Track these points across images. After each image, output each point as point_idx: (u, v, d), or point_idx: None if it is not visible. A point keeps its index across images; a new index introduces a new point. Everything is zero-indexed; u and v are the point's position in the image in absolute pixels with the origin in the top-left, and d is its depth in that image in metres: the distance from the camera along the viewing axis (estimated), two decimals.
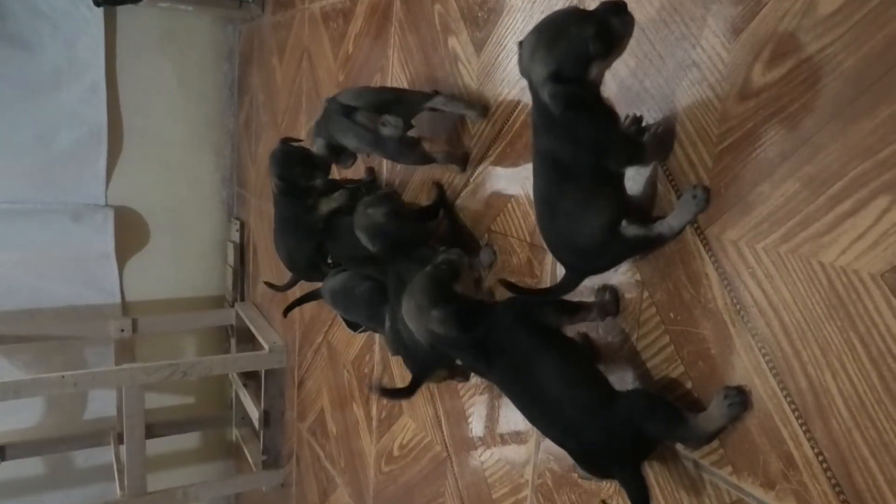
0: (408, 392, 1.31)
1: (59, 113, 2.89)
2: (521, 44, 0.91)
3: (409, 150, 1.40)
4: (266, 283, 2.06)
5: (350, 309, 1.61)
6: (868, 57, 0.74)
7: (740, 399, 0.86)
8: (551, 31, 0.87)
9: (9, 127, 2.81)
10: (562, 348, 0.99)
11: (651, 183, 1.00)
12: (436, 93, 1.42)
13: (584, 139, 0.91)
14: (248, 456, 2.93)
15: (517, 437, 1.30)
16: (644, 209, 1.01)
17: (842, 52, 0.76)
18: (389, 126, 1.33)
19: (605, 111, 0.92)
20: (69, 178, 2.96)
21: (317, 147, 1.51)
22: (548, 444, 1.22)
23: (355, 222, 1.39)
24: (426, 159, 1.42)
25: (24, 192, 2.88)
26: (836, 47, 0.77)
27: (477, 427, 1.44)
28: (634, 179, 1.02)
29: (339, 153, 1.50)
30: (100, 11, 2.83)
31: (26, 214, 2.88)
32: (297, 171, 1.59)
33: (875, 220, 0.73)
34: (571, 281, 1.05)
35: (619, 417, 0.90)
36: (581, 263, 1.02)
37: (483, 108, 1.35)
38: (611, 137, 0.92)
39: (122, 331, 2.86)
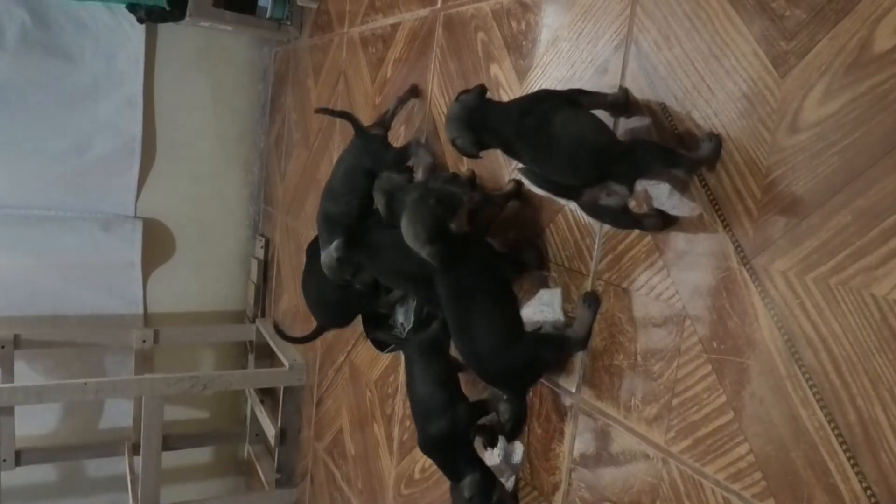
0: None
1: (96, 124, 2.95)
2: None
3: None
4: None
5: None
6: None
7: (594, 299, 1.17)
8: None
9: (46, 135, 2.86)
10: (501, 297, 1.23)
11: (696, 212, 1.01)
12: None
13: None
14: (261, 474, 2.92)
15: (545, 462, 1.30)
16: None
17: None
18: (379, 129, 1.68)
19: None
20: (101, 187, 3.00)
21: (334, 248, 1.58)
22: (579, 470, 1.21)
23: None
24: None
25: (56, 199, 2.92)
26: (892, 83, 0.78)
27: (503, 451, 1.43)
28: (677, 207, 1.03)
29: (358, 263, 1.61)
30: (141, 27, 2.90)
31: (57, 221, 2.92)
32: None
33: None
34: None
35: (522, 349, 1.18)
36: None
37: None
38: None
39: (144, 341, 2.87)
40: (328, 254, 1.58)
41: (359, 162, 1.59)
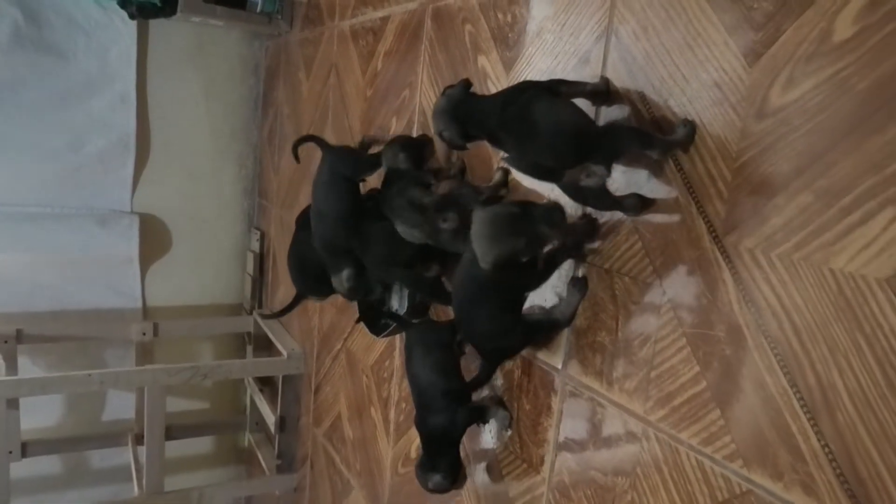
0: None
1: (90, 120, 2.98)
2: None
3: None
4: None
5: None
6: (880, 79, 0.81)
7: (583, 284, 1.22)
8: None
9: (41, 132, 2.90)
10: (512, 302, 1.25)
11: (672, 195, 1.07)
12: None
13: None
14: (262, 461, 2.98)
15: (534, 436, 1.36)
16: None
17: (855, 74, 0.83)
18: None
19: None
20: (97, 183, 3.04)
21: (346, 279, 1.67)
22: (566, 442, 1.27)
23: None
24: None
25: (53, 196, 2.96)
26: (850, 70, 0.84)
27: (494, 425, 1.49)
28: (654, 190, 1.09)
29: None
30: (133, 24, 2.93)
31: (54, 218, 2.96)
32: None
33: (882, 229, 0.79)
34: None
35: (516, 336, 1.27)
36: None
37: None
38: None
39: (144, 334, 2.93)
40: (339, 281, 1.67)
41: (334, 176, 1.66)
